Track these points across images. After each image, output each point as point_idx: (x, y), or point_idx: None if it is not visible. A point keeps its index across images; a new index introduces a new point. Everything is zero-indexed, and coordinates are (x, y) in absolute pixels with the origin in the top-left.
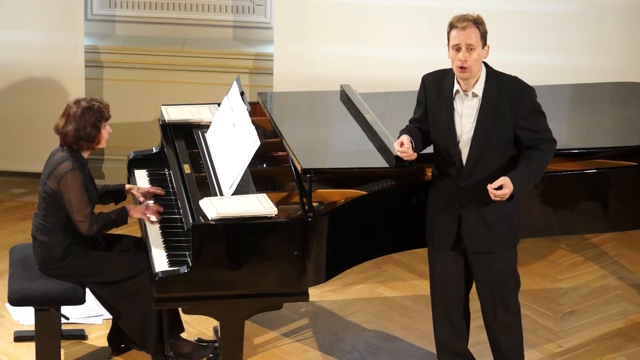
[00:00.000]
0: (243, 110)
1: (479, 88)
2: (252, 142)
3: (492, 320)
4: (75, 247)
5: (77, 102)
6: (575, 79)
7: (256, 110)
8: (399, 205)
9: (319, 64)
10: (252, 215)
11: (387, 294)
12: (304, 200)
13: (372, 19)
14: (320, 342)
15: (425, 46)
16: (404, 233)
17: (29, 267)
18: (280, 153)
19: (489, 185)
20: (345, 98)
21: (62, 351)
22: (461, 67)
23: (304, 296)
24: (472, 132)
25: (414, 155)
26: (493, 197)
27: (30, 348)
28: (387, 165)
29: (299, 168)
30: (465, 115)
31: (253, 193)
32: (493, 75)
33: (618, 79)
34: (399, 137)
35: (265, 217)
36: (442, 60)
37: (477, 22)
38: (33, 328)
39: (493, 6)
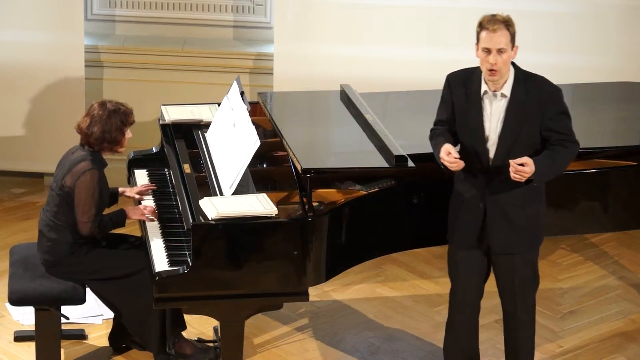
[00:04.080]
0: (243, 110)
1: (507, 89)
2: (252, 142)
3: (510, 319)
4: (79, 246)
5: (103, 103)
6: (575, 79)
7: (256, 110)
8: (399, 205)
9: (319, 64)
10: (252, 215)
11: (387, 294)
12: (304, 200)
13: (372, 19)
14: (320, 342)
15: (425, 46)
16: (404, 233)
17: (29, 267)
18: (280, 153)
19: (511, 160)
20: (345, 98)
21: (62, 351)
22: (491, 70)
23: (304, 296)
24: (499, 132)
25: (462, 164)
26: (512, 174)
27: (30, 348)
28: (387, 165)
29: (299, 168)
30: (494, 116)
31: (253, 193)
32: (521, 75)
33: (618, 79)
34: (436, 143)
35: (265, 217)
36: (442, 59)
37: (508, 24)
38: (33, 328)
39: (493, 6)
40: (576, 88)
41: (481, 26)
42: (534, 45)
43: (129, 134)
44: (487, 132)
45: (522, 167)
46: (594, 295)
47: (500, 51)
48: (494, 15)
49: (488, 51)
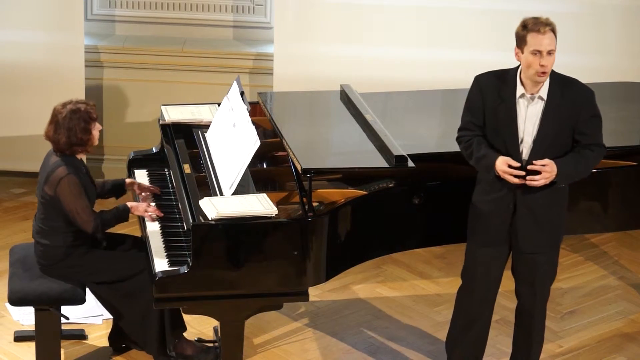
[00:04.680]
0: (243, 110)
1: (544, 91)
2: (252, 142)
3: (528, 317)
4: (75, 248)
5: (63, 106)
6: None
7: (256, 110)
8: (399, 205)
9: (319, 64)
10: (252, 215)
11: (387, 294)
12: (304, 200)
13: (372, 19)
14: (320, 342)
15: (425, 46)
16: (404, 233)
17: (29, 267)
18: (280, 153)
19: (529, 167)
20: (345, 98)
21: (62, 351)
22: (542, 73)
23: (304, 296)
24: (535, 135)
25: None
26: (533, 182)
27: (30, 348)
28: (387, 165)
29: (299, 168)
30: (529, 118)
31: (253, 193)
32: (557, 78)
33: (618, 79)
34: (484, 154)
35: (265, 217)
36: (442, 60)
37: (553, 28)
38: (33, 328)
39: (493, 6)
40: None
41: (527, 28)
42: None
43: (97, 127)
44: (521, 135)
45: (544, 168)
46: (594, 295)
47: (549, 53)
48: (537, 18)
49: (539, 53)
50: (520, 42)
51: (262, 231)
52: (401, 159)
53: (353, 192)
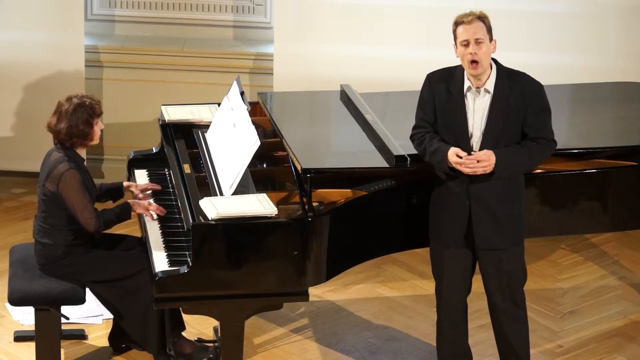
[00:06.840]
0: (243, 110)
1: (490, 84)
2: (252, 142)
3: (500, 314)
4: (76, 247)
5: (69, 99)
6: (575, 79)
7: (256, 110)
8: (399, 205)
9: (319, 64)
10: (252, 215)
11: (387, 294)
12: (304, 200)
13: (372, 19)
14: (320, 342)
15: (425, 46)
16: (404, 233)
17: (29, 267)
18: (280, 153)
19: (472, 152)
20: (345, 98)
21: (62, 351)
22: (472, 62)
23: (304, 296)
24: (483, 129)
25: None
26: (465, 168)
27: (30, 348)
28: (387, 165)
29: (299, 168)
30: (477, 112)
31: (253, 193)
32: (503, 71)
33: (618, 79)
34: (436, 149)
35: (265, 217)
36: (442, 60)
37: (482, 17)
38: (33, 328)
39: (493, 6)
40: (576, 88)
41: (456, 23)
42: (535, 45)
43: (100, 125)
44: (470, 129)
45: (480, 156)
46: (594, 295)
47: (478, 41)
48: (467, 12)
49: (467, 43)
50: (454, 37)
51: (262, 231)
52: (401, 159)
53: (353, 192)
